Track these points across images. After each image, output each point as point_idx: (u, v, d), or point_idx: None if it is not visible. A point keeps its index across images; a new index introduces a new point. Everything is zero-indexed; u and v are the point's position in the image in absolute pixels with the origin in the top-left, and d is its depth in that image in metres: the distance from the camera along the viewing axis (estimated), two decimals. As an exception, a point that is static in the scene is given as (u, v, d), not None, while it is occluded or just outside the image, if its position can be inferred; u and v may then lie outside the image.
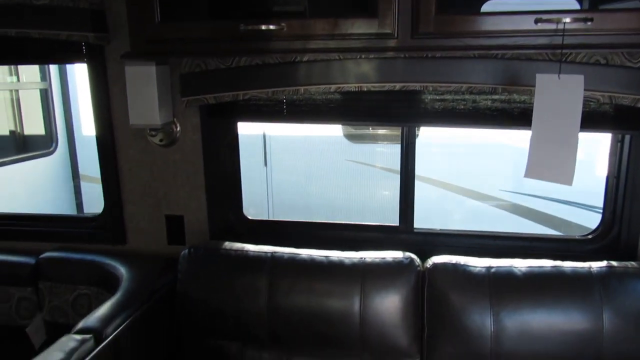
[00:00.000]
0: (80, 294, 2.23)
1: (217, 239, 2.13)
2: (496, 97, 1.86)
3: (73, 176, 4.80)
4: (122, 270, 2.05)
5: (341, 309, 1.77)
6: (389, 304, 1.74)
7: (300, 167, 4.69)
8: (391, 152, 4.51)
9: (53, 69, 4.54)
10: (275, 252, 1.89)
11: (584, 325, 1.60)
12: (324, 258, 1.85)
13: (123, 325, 1.68)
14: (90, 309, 1.73)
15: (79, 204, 4.85)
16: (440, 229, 2.14)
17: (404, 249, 1.87)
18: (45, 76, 4.49)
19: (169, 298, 1.96)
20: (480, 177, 4.50)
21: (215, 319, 1.87)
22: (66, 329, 1.61)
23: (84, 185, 4.89)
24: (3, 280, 2.30)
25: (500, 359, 1.68)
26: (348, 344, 1.79)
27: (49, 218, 2.50)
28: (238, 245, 1.95)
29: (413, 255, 1.83)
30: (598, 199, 2.03)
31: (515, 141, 4.37)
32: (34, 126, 4.67)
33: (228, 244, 1.97)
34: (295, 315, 1.80)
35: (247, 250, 1.92)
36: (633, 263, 1.70)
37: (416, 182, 2.11)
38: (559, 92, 1.45)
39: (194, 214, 2.21)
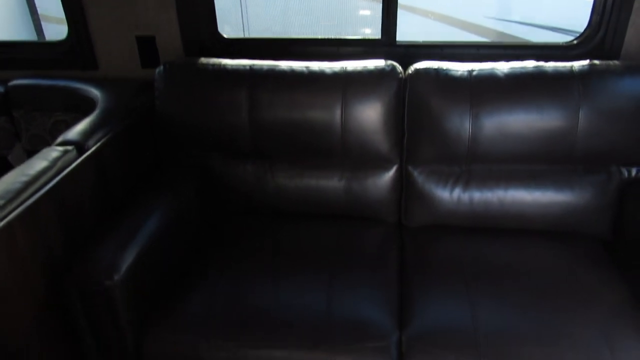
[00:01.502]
0: (57, 121, 2.19)
1: (192, 58, 2.04)
2: None
3: (31, 12, 4.46)
4: (97, 93, 1.99)
5: (323, 118, 1.77)
6: (371, 112, 1.75)
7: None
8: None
9: None
10: (253, 65, 1.83)
11: (560, 123, 1.64)
12: (304, 68, 1.80)
13: (104, 139, 1.67)
14: (70, 134, 1.71)
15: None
16: (423, 41, 2.07)
17: (386, 60, 1.82)
18: None
19: (148, 116, 1.93)
20: (466, 6, 4.32)
21: (196, 134, 1.87)
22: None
23: (45, 26, 4.58)
24: (-26, 111, 2.23)
25: (476, 159, 1.74)
26: (330, 152, 1.82)
27: (11, 44, 2.35)
28: (215, 60, 1.88)
29: (395, 63, 1.79)
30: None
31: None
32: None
33: (204, 60, 1.89)
34: (277, 126, 1.81)
35: (224, 65, 1.85)
36: (616, 62, 1.69)
37: (399, 11, 1.99)
38: None
39: (166, 33, 2.09)
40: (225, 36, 2.16)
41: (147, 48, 2.14)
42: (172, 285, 1.61)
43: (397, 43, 2.06)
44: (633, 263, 1.60)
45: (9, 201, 1.28)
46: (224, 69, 1.84)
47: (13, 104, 2.19)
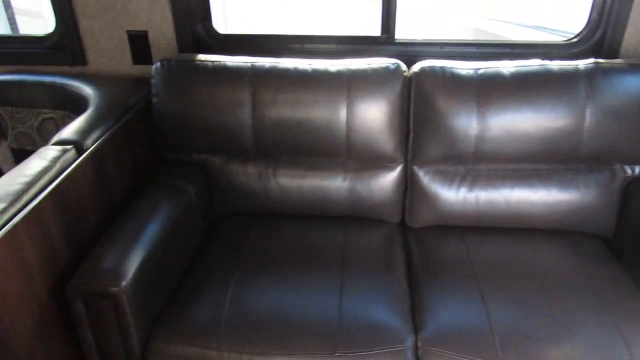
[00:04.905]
0: (45, 119, 2.10)
1: (187, 54, 1.98)
2: None
3: (5, 7, 4.28)
4: (88, 90, 1.92)
5: (327, 117, 1.74)
6: (376, 111, 1.72)
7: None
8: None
9: None
10: (255, 62, 1.79)
11: (566, 121, 1.64)
12: (307, 66, 1.77)
13: (103, 137, 1.61)
14: (59, 132, 1.64)
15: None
16: (423, 39, 2.05)
17: (386, 59, 1.80)
18: None
19: (146, 114, 1.87)
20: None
21: (197, 133, 1.82)
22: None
23: (21, 21, 4.41)
24: (-45, 108, 2.13)
25: (483, 159, 1.73)
26: (334, 152, 1.79)
27: (-7, 39, 2.25)
28: (214, 57, 1.82)
29: (399, 62, 1.77)
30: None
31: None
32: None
33: (203, 56, 1.84)
34: (280, 126, 1.76)
35: (224, 61, 1.80)
36: (619, 60, 1.70)
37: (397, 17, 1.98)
38: None
39: (159, 29, 2.02)
40: (221, 32, 2.11)
41: (139, 44, 2.07)
42: (177, 288, 1.56)
43: (396, 40, 2.04)
44: (636, 259, 1.61)
45: (11, 203, 1.21)
46: (224, 67, 1.79)
47: (-3, 101, 2.09)
